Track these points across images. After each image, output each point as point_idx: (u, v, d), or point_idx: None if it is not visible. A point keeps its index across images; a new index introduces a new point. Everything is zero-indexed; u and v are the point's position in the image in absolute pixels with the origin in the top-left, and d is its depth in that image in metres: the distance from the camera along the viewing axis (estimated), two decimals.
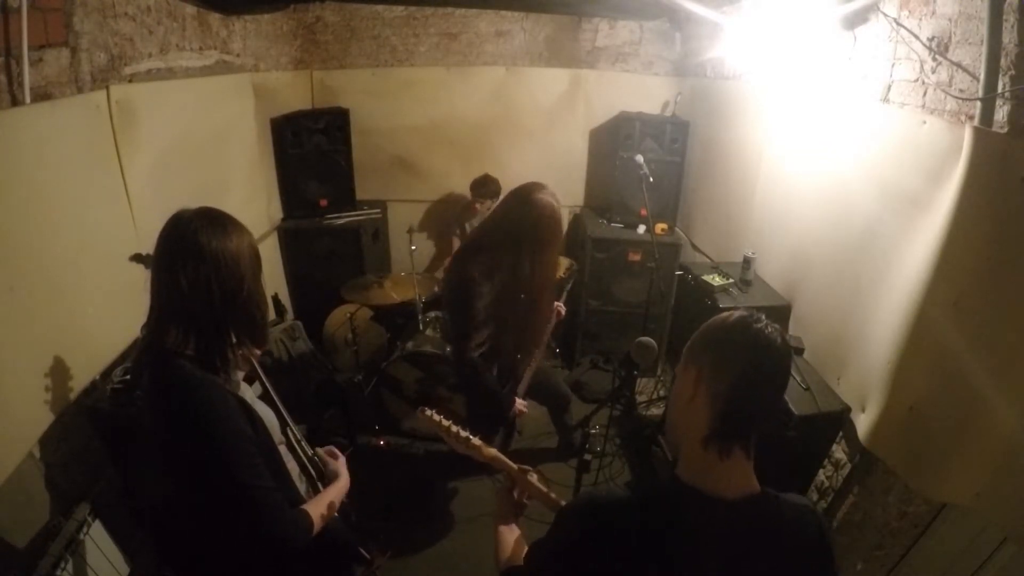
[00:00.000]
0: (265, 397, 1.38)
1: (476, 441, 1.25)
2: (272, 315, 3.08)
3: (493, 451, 1.26)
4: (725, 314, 0.92)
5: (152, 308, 1.13)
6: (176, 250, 1.08)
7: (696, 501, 0.85)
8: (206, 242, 1.08)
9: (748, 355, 0.85)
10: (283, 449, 1.31)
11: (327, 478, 1.40)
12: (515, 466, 1.24)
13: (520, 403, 2.25)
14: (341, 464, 1.43)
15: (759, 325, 0.86)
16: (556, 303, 2.39)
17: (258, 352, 1.31)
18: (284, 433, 1.35)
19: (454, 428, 1.27)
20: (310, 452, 1.41)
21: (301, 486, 1.35)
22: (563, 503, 1.07)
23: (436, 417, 1.27)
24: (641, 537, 0.84)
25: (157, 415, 1.10)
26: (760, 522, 0.86)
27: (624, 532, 0.85)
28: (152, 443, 1.13)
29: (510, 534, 1.17)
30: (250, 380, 1.31)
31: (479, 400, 2.32)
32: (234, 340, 1.15)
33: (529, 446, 2.95)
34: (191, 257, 1.07)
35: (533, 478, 1.21)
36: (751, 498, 0.86)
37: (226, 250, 1.10)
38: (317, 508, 1.24)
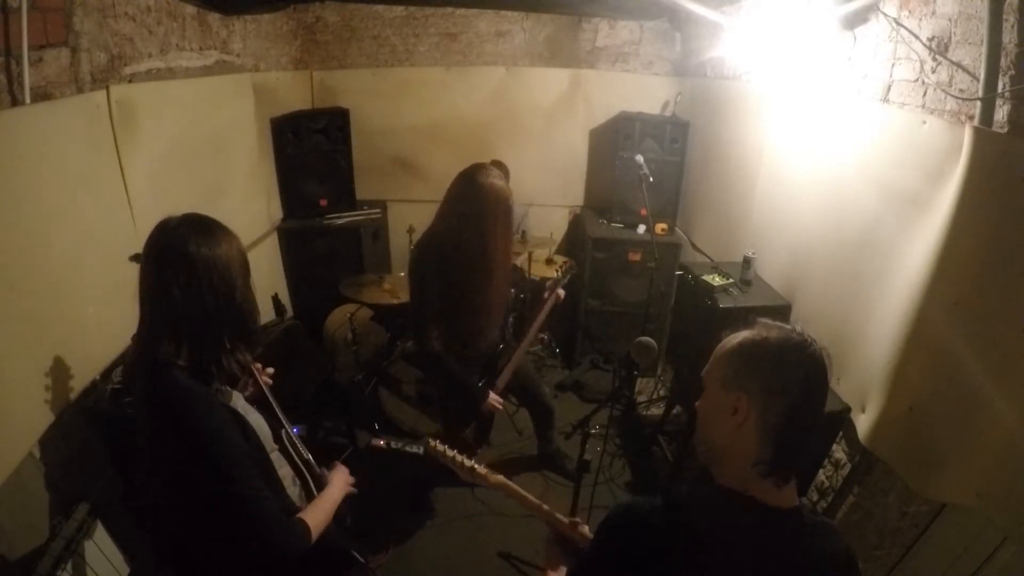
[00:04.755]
0: (262, 400, 1.37)
1: (482, 469, 1.28)
2: (272, 315, 3.08)
3: (500, 478, 1.28)
4: (764, 331, 0.85)
5: (142, 318, 1.11)
6: (166, 260, 1.06)
7: (747, 507, 0.82)
8: (196, 250, 1.06)
9: (803, 383, 0.80)
10: (275, 456, 1.31)
11: (321, 484, 1.40)
12: (539, 503, 1.23)
13: (495, 398, 2.23)
14: (336, 473, 1.43)
15: (812, 348, 0.81)
16: (557, 289, 2.36)
17: (251, 356, 1.30)
18: (279, 437, 1.34)
19: (459, 458, 1.29)
20: (305, 455, 1.41)
21: (295, 490, 1.34)
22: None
23: (441, 447, 1.30)
24: (685, 544, 0.81)
25: (151, 426, 1.09)
26: (801, 536, 0.84)
27: (666, 543, 0.82)
28: (146, 451, 1.13)
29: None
30: (244, 384, 1.31)
31: (452, 392, 2.29)
32: (228, 347, 1.14)
33: (530, 450, 2.94)
34: (182, 267, 1.05)
35: (564, 524, 1.20)
36: (797, 510, 0.85)
37: (217, 257, 1.08)
38: (312, 516, 1.23)
